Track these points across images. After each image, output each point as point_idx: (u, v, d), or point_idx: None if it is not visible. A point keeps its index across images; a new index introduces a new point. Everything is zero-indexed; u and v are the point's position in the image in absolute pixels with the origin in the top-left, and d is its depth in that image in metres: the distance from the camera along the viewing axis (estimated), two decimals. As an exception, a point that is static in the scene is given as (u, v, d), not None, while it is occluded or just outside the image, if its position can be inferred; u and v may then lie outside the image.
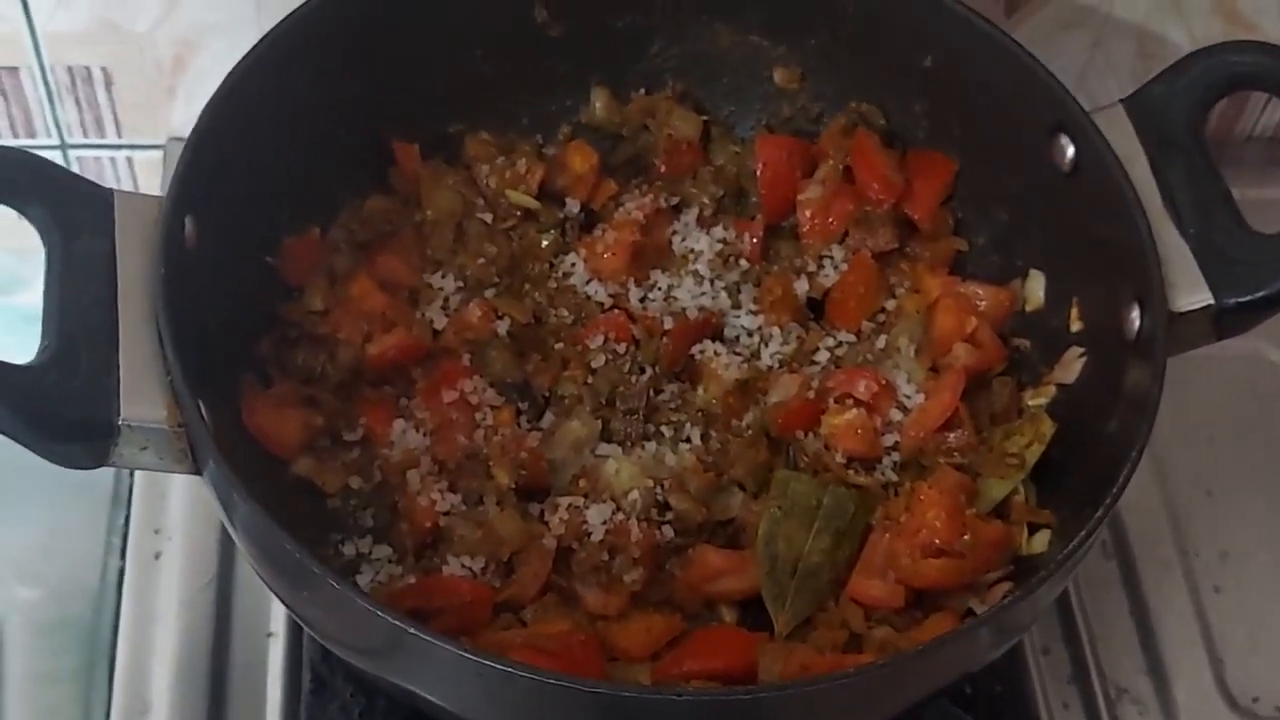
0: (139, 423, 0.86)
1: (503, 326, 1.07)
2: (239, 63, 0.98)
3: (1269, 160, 1.37)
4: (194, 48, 1.19)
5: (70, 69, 1.20)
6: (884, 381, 1.05)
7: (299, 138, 1.03)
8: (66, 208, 0.91)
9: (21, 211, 0.91)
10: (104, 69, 1.20)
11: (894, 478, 1.03)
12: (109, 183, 1.27)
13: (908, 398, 1.06)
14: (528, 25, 1.12)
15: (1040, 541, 0.99)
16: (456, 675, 0.82)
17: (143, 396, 0.87)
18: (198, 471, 0.89)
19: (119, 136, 1.25)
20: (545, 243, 1.12)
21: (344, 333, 1.04)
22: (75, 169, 1.27)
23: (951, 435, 1.03)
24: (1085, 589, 1.14)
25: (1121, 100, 1.03)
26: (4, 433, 0.84)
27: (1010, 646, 0.95)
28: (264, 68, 0.99)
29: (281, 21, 1.01)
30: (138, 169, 1.28)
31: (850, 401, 1.05)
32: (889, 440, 1.05)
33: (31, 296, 0.90)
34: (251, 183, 1.00)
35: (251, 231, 1.02)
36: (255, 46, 0.99)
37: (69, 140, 1.25)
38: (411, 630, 0.79)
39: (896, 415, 1.05)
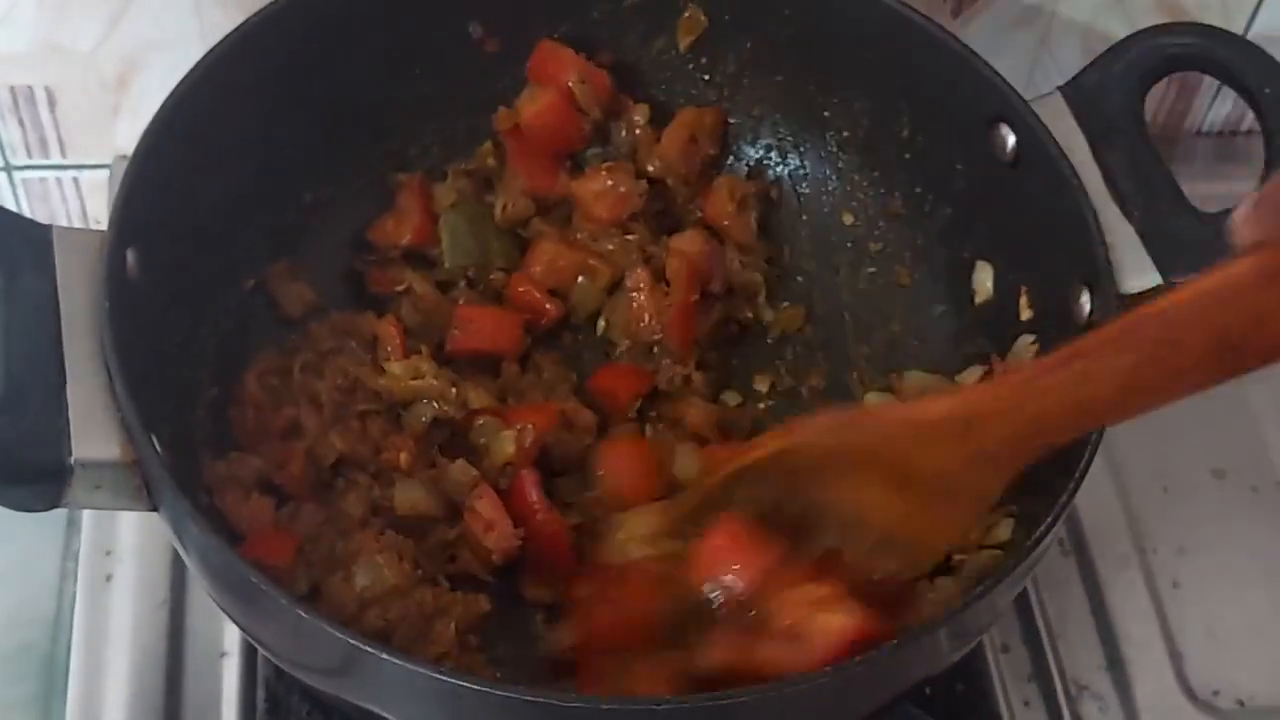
0: (92, 461, 0.85)
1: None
2: (178, 84, 0.97)
3: (1218, 156, 1.37)
4: (138, 66, 1.18)
5: (13, 89, 1.19)
6: None
7: (241, 159, 1.03)
8: (5, 247, 0.90)
9: (-41, 253, 0.90)
10: (47, 89, 1.19)
11: None
12: (55, 203, 1.27)
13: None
14: (464, 42, 1.13)
15: (1004, 530, 0.98)
16: (417, 693, 0.81)
17: (95, 434, 0.85)
18: (154, 508, 0.88)
19: (64, 157, 1.24)
20: None
21: None
22: (20, 191, 1.26)
23: None
24: (1044, 586, 1.13)
25: (1059, 88, 1.03)
26: (-45, 480, 0.82)
27: (970, 648, 0.95)
28: (204, 89, 0.98)
29: (218, 45, 1.00)
30: (84, 189, 1.27)
31: None
32: None
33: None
34: (196, 207, 0.99)
35: (198, 258, 1.01)
36: (194, 67, 0.98)
37: (13, 162, 1.24)
38: (370, 649, 0.79)
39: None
